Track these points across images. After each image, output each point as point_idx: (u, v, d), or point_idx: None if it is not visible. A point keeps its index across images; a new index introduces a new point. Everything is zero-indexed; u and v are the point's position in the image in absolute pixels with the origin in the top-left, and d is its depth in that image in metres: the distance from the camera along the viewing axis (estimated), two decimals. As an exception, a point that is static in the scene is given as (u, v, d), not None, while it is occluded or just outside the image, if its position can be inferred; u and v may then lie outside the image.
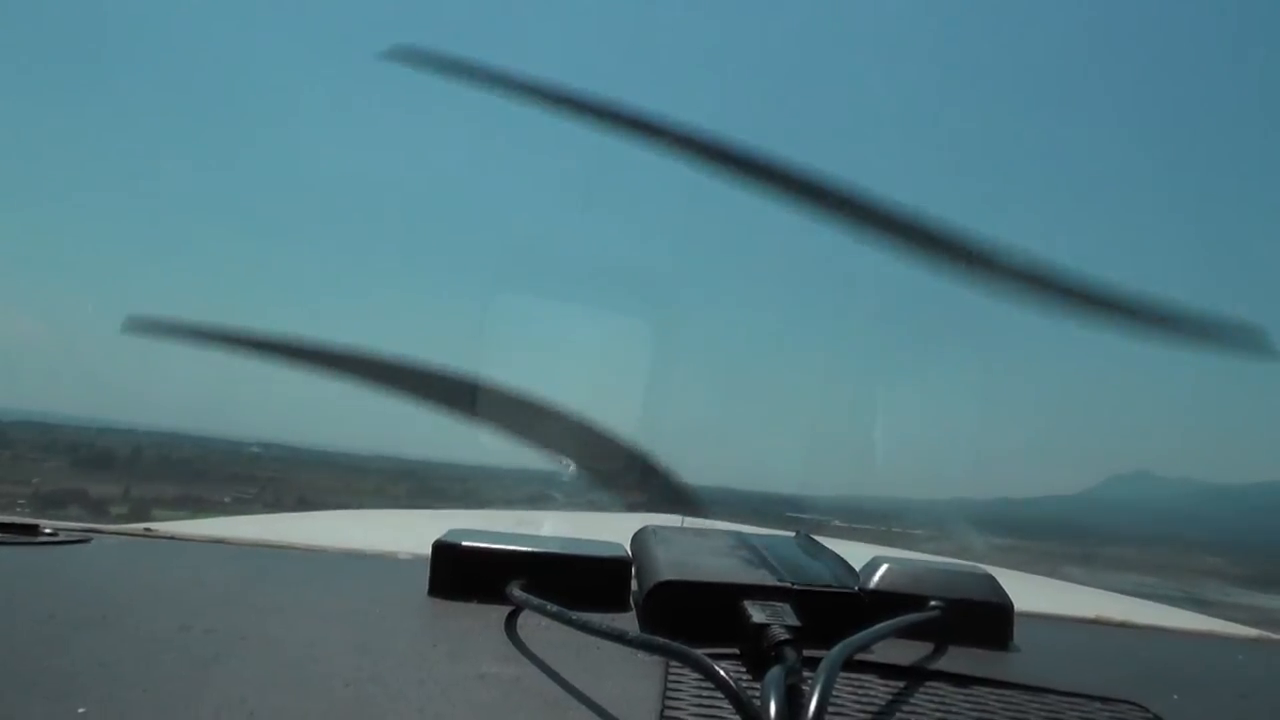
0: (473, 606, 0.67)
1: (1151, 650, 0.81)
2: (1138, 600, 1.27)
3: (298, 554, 0.91)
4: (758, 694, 0.45)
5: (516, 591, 0.65)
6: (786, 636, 0.56)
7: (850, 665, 0.55)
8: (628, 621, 0.64)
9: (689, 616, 0.63)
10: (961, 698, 0.55)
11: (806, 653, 0.55)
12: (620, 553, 0.74)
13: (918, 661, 0.62)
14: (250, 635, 0.60)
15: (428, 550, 0.73)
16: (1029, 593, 0.83)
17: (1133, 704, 0.57)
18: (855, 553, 0.76)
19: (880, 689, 0.56)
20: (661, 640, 0.51)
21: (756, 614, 0.59)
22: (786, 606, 0.61)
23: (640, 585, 0.70)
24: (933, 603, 0.68)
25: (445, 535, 0.74)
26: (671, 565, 0.68)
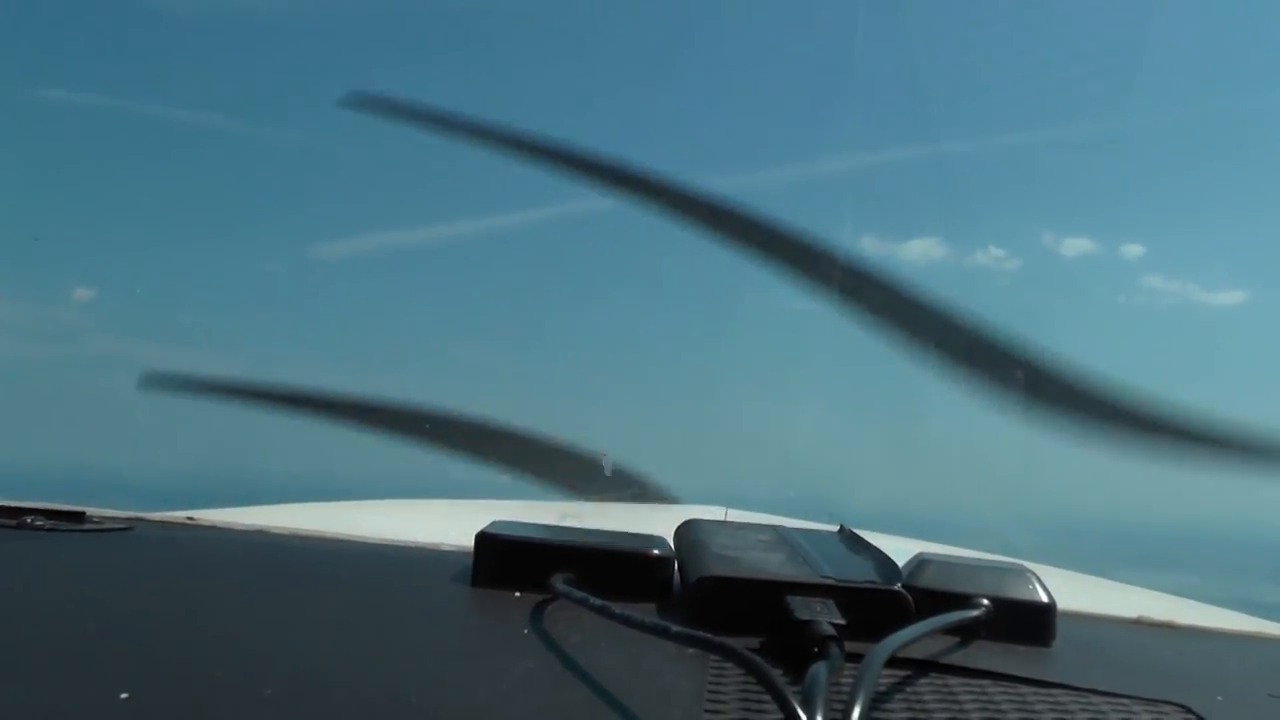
0: (515, 598, 0.68)
1: (1196, 651, 0.80)
2: (1182, 599, 1.25)
3: (339, 544, 0.92)
4: (800, 690, 0.45)
5: (559, 583, 0.65)
6: (830, 633, 0.56)
7: (893, 662, 0.55)
8: (671, 615, 0.64)
9: (731, 612, 0.63)
10: (1005, 696, 0.55)
11: (849, 649, 0.55)
12: (664, 546, 0.74)
13: (960, 659, 0.62)
14: (290, 626, 0.61)
15: (470, 542, 0.73)
16: (1072, 591, 0.82)
17: (1177, 705, 0.56)
18: (899, 548, 0.75)
19: (923, 686, 0.56)
20: (704, 635, 0.52)
21: (800, 610, 0.59)
22: (830, 603, 0.61)
23: (683, 579, 0.71)
24: (976, 600, 0.68)
25: (489, 526, 0.74)
26: (715, 560, 0.69)
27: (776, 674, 0.45)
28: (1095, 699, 0.56)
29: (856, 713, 0.43)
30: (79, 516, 0.88)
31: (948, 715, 0.51)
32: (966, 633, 0.66)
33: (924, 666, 0.59)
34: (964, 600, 0.68)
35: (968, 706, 0.53)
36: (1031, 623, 0.69)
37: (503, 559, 0.72)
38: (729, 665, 0.53)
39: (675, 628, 0.54)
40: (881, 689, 0.54)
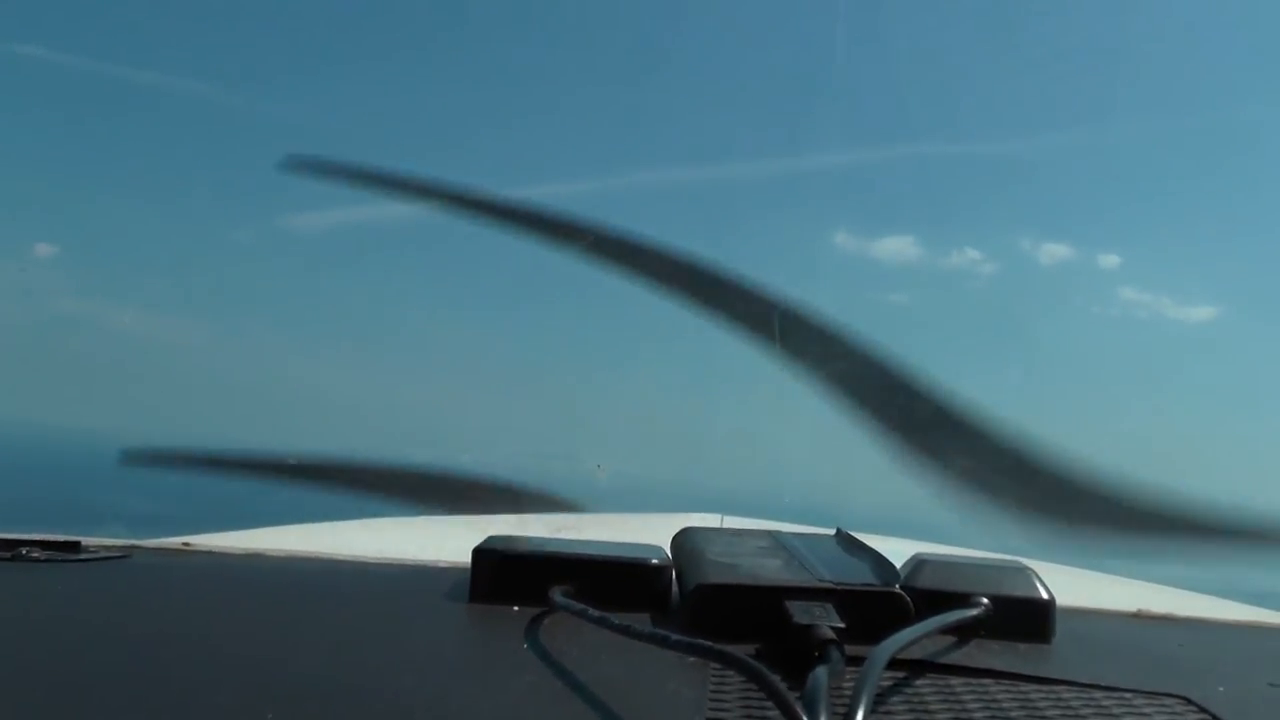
0: (514, 612, 0.68)
1: (1196, 642, 0.80)
2: (1181, 591, 1.25)
3: (335, 564, 0.92)
4: (802, 695, 0.45)
5: (558, 596, 0.65)
6: (830, 637, 0.56)
7: (894, 664, 0.55)
8: (670, 624, 0.64)
9: (731, 618, 0.63)
10: (1007, 694, 0.55)
11: (850, 652, 0.55)
12: (661, 555, 0.74)
13: (961, 658, 0.62)
14: (290, 648, 0.60)
15: (467, 557, 0.73)
16: (1070, 586, 0.82)
17: (1179, 697, 0.57)
18: (896, 549, 0.75)
19: (924, 687, 0.56)
20: (705, 643, 0.51)
21: (799, 615, 0.59)
22: (829, 607, 0.61)
23: (681, 588, 0.70)
24: (974, 599, 0.68)
25: (485, 541, 0.74)
26: (712, 567, 0.69)
27: (778, 680, 0.45)
28: (1097, 694, 0.56)
29: (860, 716, 0.43)
30: (74, 546, 0.87)
31: (950, 715, 0.51)
32: (966, 632, 0.66)
33: (925, 667, 0.59)
34: (963, 599, 0.68)
35: (970, 706, 0.53)
36: (1031, 619, 0.69)
37: (500, 573, 0.71)
38: (730, 672, 0.53)
39: (675, 636, 0.54)
40: (883, 691, 0.53)
